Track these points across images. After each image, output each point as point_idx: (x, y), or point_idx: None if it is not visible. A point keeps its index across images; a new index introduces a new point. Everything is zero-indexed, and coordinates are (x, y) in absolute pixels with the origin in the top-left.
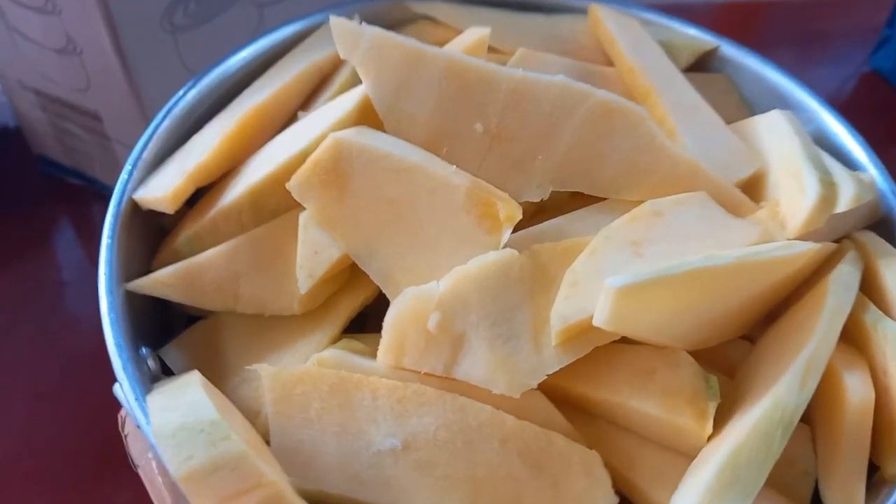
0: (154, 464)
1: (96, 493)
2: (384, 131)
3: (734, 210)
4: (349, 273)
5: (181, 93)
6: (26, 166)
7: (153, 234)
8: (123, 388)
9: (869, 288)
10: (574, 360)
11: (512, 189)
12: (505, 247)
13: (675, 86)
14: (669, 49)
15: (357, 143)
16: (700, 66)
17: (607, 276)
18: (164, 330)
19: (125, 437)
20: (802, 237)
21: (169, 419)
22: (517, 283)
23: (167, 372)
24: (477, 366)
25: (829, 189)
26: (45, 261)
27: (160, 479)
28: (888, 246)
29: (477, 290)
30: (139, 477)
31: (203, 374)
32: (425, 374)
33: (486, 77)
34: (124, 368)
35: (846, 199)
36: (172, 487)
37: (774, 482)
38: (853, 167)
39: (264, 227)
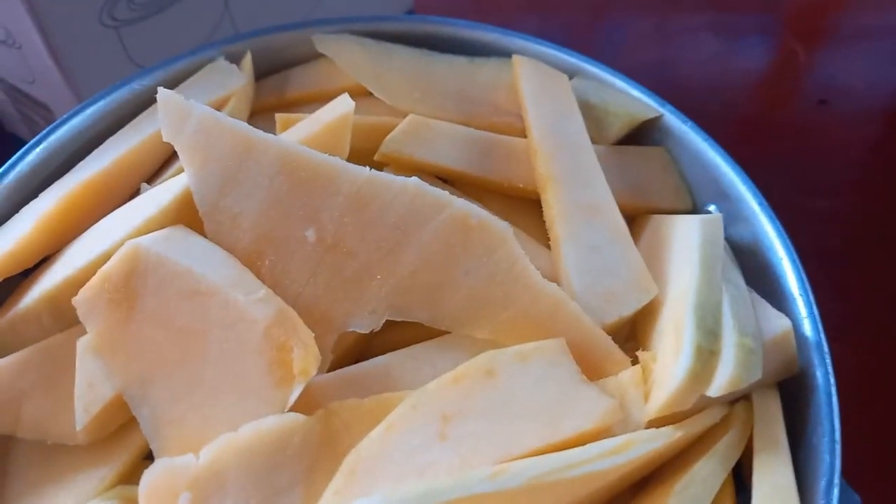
0: None
1: None
2: (202, 233)
3: (600, 363)
4: None
5: (22, 151)
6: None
7: None
8: None
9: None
10: None
11: (340, 313)
12: (299, 398)
13: (581, 178)
14: (602, 115)
15: (156, 253)
16: (642, 136)
17: (393, 467)
18: None
19: None
20: (661, 419)
21: None
22: (293, 460)
23: None
24: None
25: (703, 362)
26: None
27: None
28: (775, 429)
29: (240, 466)
30: None
31: None
32: None
33: (326, 175)
34: None
35: (720, 383)
36: None
37: None
38: (781, 300)
39: (61, 336)
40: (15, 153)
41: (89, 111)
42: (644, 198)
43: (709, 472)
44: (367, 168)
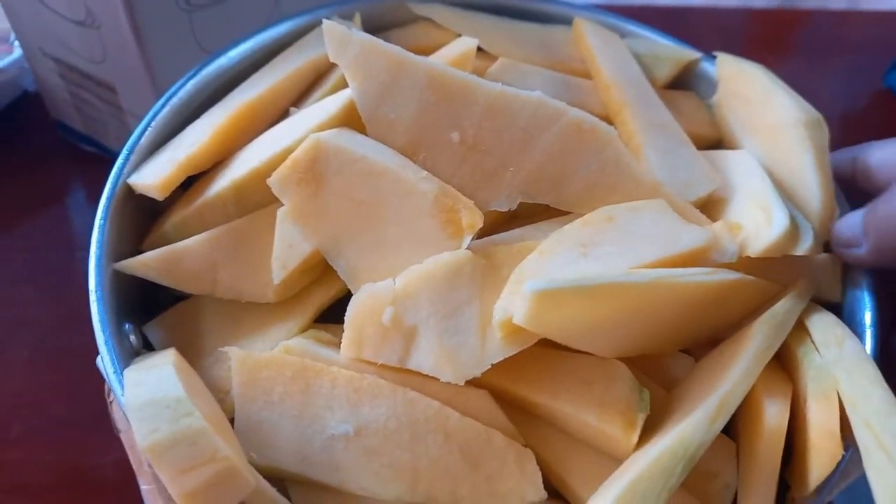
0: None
1: (84, 455)
2: (366, 134)
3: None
4: (323, 267)
5: (182, 82)
6: (45, 130)
7: (145, 217)
8: (104, 362)
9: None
10: (515, 352)
11: (481, 198)
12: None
13: (647, 103)
14: (652, 62)
15: (335, 144)
16: (683, 80)
17: (552, 274)
18: (151, 308)
19: (110, 404)
20: (755, 264)
21: (140, 393)
22: (468, 282)
23: (149, 347)
24: (427, 357)
25: (795, 227)
26: (55, 221)
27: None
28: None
29: (428, 287)
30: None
31: (180, 351)
32: (381, 365)
33: (466, 89)
34: (106, 343)
35: (807, 245)
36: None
37: (696, 492)
38: None
39: (245, 219)
40: (62, 140)
41: (232, 52)
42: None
43: (783, 311)
44: (499, 83)
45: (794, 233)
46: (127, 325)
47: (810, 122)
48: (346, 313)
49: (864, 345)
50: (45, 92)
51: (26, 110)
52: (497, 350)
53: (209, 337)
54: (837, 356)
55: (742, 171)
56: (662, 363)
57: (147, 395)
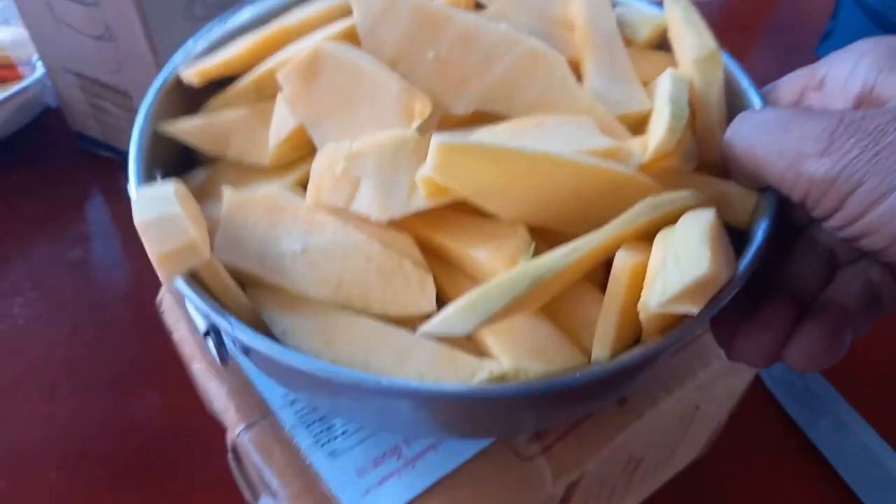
0: (184, 325)
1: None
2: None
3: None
4: (310, 146)
5: (233, 10)
6: (66, 142)
7: (188, 109)
8: (130, 186)
9: None
10: (433, 205)
11: (444, 102)
12: None
13: (609, 47)
14: (636, 23)
15: (332, 50)
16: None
17: None
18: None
19: (162, 313)
20: (655, 164)
21: (144, 193)
22: (409, 153)
23: None
24: (364, 200)
25: (678, 118)
26: (78, 221)
27: (190, 337)
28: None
29: (375, 151)
30: (162, 380)
31: (195, 196)
32: (333, 210)
33: (445, 17)
34: (133, 171)
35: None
36: (199, 343)
37: (574, 339)
38: None
39: (260, 105)
40: (81, 149)
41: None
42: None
43: (671, 198)
44: (473, 14)
45: (677, 125)
46: (157, 175)
47: (700, 60)
48: (312, 166)
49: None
50: (65, 105)
51: (48, 124)
52: (419, 201)
53: (217, 190)
54: (689, 217)
55: (659, 92)
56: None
57: (148, 193)
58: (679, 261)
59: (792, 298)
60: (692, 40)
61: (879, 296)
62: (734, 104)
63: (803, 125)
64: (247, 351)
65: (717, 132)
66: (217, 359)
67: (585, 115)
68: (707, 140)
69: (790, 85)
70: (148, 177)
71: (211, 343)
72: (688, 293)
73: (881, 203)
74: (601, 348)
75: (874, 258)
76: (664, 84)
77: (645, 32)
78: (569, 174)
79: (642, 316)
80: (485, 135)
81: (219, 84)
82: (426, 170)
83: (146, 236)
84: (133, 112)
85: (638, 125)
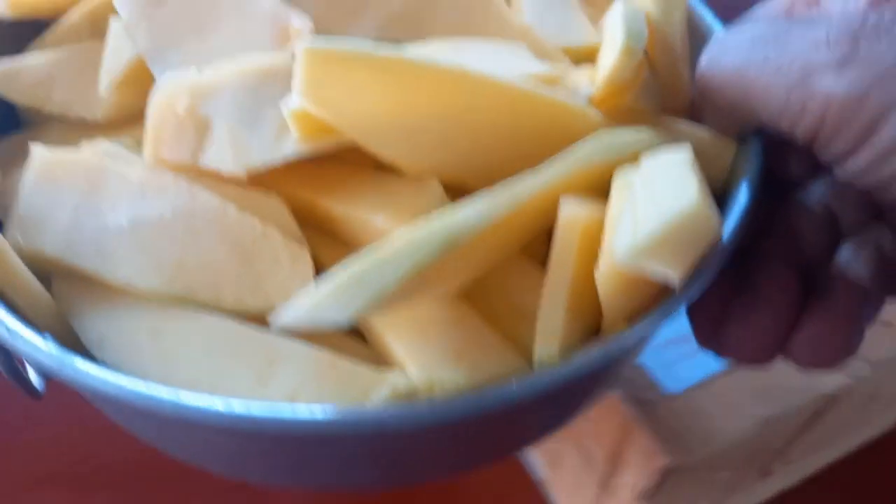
0: None
1: None
2: None
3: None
4: None
5: None
6: None
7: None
8: None
9: None
10: (311, 151)
11: (338, 30)
12: None
13: None
14: None
15: None
16: None
17: None
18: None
19: None
20: (609, 97)
21: None
22: (282, 83)
23: None
24: (215, 151)
25: (636, 38)
26: None
27: None
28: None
29: (235, 81)
30: None
31: (7, 165)
32: (179, 169)
33: None
34: None
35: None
36: None
37: (507, 333)
38: None
39: (90, 43)
40: None
41: None
42: None
43: (627, 137)
44: None
45: (635, 45)
46: None
47: None
48: (147, 106)
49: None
50: None
51: None
52: (290, 146)
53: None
54: (656, 158)
55: (608, 24)
56: None
57: None
58: (655, 196)
59: (794, 273)
60: None
61: (893, 269)
62: (694, 44)
63: (811, 31)
64: (43, 373)
65: (682, 69)
66: (18, 385)
67: (517, 42)
68: (670, 80)
69: (773, 4)
70: None
71: None
72: (669, 240)
73: None
74: (547, 344)
75: (878, 220)
76: (614, 14)
77: None
78: (497, 103)
79: (602, 290)
80: (376, 45)
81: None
82: (295, 96)
83: None
84: None
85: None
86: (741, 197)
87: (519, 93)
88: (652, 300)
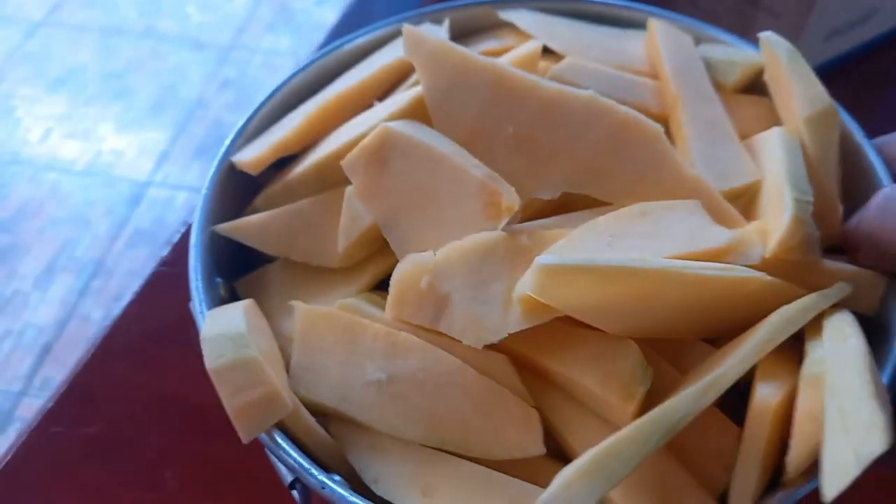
0: None
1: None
2: (432, 126)
3: (726, 223)
4: (381, 242)
5: (284, 80)
6: None
7: (245, 194)
8: (194, 304)
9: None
10: (532, 324)
11: (528, 186)
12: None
13: (702, 99)
14: (725, 65)
15: (401, 132)
16: (759, 85)
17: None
18: (245, 271)
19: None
20: (779, 257)
21: (213, 327)
22: (500, 260)
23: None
24: (455, 321)
25: (804, 208)
26: None
27: None
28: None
29: (463, 260)
30: None
31: (260, 306)
32: (417, 326)
33: (524, 88)
34: (196, 289)
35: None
36: None
37: (697, 471)
38: None
39: (323, 196)
40: None
41: (329, 56)
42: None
43: (805, 304)
44: (555, 83)
45: (803, 214)
46: (218, 279)
47: (812, 118)
48: (392, 278)
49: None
50: None
51: None
52: (516, 321)
53: (283, 295)
54: (837, 349)
55: (766, 155)
56: (682, 349)
57: (218, 329)
58: (846, 423)
59: None
60: (801, 92)
61: None
62: (845, 161)
63: None
64: None
65: (835, 203)
66: None
67: (691, 198)
68: (824, 213)
69: None
70: (208, 285)
71: (296, 494)
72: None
73: None
74: (741, 496)
75: None
76: (773, 149)
77: (734, 76)
78: (688, 288)
79: (791, 469)
80: (587, 241)
81: (275, 164)
82: (525, 288)
83: (220, 386)
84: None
85: (742, 194)
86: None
87: (706, 279)
88: None
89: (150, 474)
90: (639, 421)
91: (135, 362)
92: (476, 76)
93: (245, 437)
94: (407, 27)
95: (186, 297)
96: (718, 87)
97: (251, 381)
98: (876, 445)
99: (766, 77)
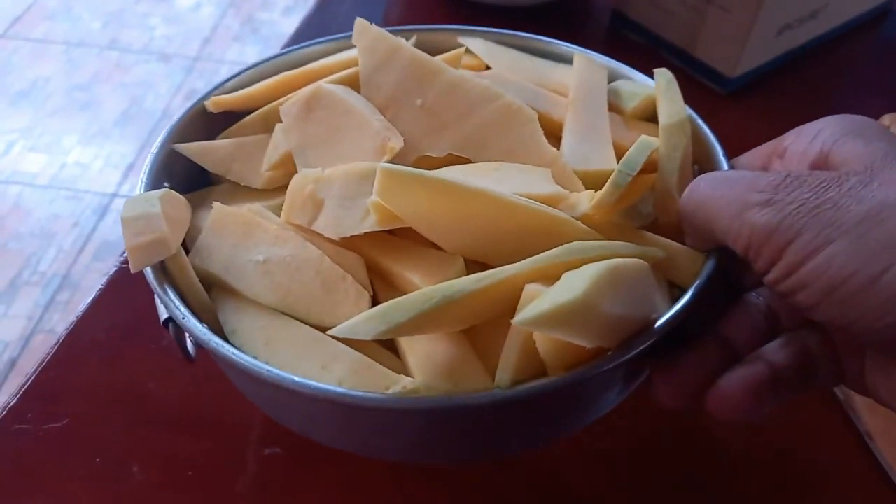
0: None
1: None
2: (359, 92)
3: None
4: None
5: (251, 64)
6: (594, 15)
7: (209, 133)
8: (136, 190)
9: None
10: (381, 228)
11: (423, 144)
12: None
13: (593, 112)
14: (628, 95)
15: (329, 89)
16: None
17: None
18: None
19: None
20: (596, 214)
21: (134, 199)
22: (371, 182)
23: None
24: (324, 220)
25: (623, 177)
26: None
27: None
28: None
29: (343, 177)
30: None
31: (197, 211)
32: (299, 228)
33: (435, 70)
34: (145, 181)
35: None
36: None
37: (488, 366)
38: None
39: (261, 135)
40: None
41: (305, 50)
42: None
43: (608, 244)
44: (461, 70)
45: (615, 193)
46: (166, 184)
47: (666, 127)
48: (288, 187)
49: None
50: None
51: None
52: (369, 223)
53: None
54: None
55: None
56: None
57: (141, 197)
58: (558, 287)
59: (720, 343)
60: (666, 108)
61: (815, 365)
62: (708, 170)
63: (752, 179)
64: (197, 343)
65: (675, 195)
66: (180, 350)
67: (545, 167)
68: (664, 202)
69: (757, 153)
70: (156, 186)
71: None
72: (555, 317)
73: (816, 255)
74: (502, 373)
75: (813, 324)
76: (631, 147)
77: (633, 103)
78: (504, 212)
79: (539, 347)
80: (443, 171)
81: (240, 116)
82: (374, 194)
83: (125, 229)
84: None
85: (597, 181)
86: (688, 292)
87: (521, 207)
88: (585, 355)
89: (116, 468)
90: (424, 288)
91: (100, 358)
92: (400, 58)
93: (134, 268)
94: (360, 19)
95: (150, 293)
96: (620, 111)
97: (149, 228)
98: (568, 295)
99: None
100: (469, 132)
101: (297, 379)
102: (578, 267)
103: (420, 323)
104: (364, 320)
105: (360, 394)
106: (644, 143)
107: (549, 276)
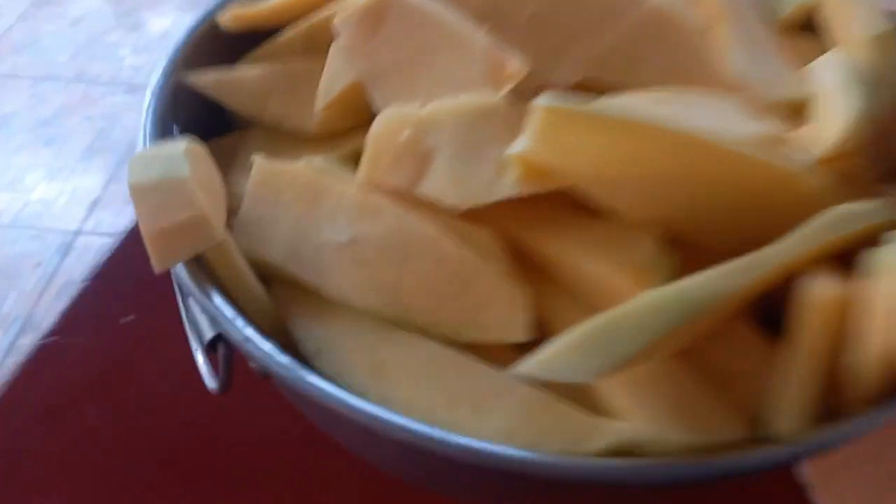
0: None
1: None
2: None
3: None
4: (367, 114)
5: None
6: None
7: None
8: (138, 141)
9: None
10: (528, 192)
11: (541, 70)
12: None
13: (745, 19)
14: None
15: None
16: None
17: None
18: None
19: None
20: (834, 164)
21: (146, 151)
22: (497, 126)
23: None
24: (436, 181)
25: (868, 102)
26: None
27: None
28: None
29: (454, 118)
30: None
31: (224, 172)
32: (392, 195)
33: None
34: (143, 126)
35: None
36: None
37: (726, 396)
38: None
39: (303, 60)
40: None
41: None
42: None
43: (858, 209)
44: None
45: (859, 133)
46: (175, 128)
47: (874, 39)
48: (369, 133)
49: None
50: None
51: None
52: (509, 185)
53: (248, 157)
54: None
55: (821, 78)
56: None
57: (152, 151)
58: None
59: None
60: (862, 17)
61: None
62: None
63: None
64: (265, 374)
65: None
66: (215, 380)
67: (731, 96)
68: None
69: None
70: (163, 134)
71: (220, 356)
72: None
73: None
74: (787, 419)
75: None
76: (827, 67)
77: (787, 8)
78: (722, 167)
79: (860, 373)
80: (608, 102)
81: (265, 38)
82: (522, 144)
83: (139, 205)
84: None
85: (786, 111)
86: None
87: (744, 158)
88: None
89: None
90: (647, 294)
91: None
92: None
93: (158, 266)
94: None
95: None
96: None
97: (177, 202)
98: None
99: (822, 13)
100: (606, 50)
101: (462, 442)
102: (846, 244)
103: (650, 353)
104: (570, 353)
105: (571, 462)
106: (849, 61)
107: (821, 264)
